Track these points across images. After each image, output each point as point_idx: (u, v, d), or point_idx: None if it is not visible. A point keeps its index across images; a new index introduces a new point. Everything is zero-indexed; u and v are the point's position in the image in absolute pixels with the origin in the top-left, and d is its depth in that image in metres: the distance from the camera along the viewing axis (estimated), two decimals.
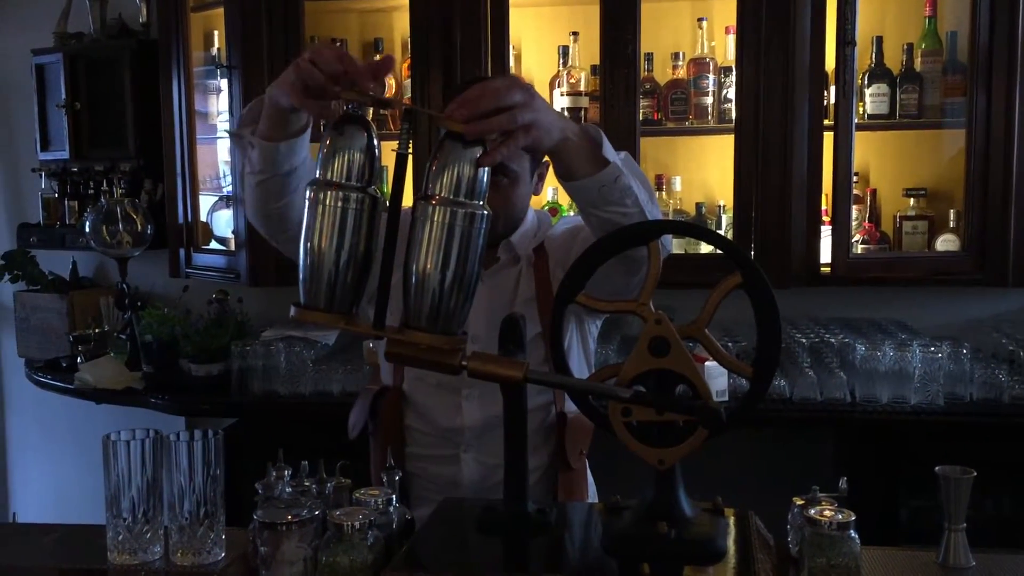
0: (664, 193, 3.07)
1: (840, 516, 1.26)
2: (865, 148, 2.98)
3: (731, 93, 2.93)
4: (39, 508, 4.03)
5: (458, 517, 1.44)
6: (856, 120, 2.81)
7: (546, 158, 1.55)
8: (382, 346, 1.35)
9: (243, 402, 2.88)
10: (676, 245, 2.87)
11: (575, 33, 3.07)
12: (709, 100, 3.00)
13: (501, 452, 1.34)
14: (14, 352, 3.74)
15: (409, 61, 3.05)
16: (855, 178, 2.88)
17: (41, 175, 3.66)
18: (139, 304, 3.30)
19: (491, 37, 2.89)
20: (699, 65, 3.00)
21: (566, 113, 3.04)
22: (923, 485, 2.53)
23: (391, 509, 1.37)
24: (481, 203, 1.18)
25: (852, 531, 1.26)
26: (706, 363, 2.09)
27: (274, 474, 1.42)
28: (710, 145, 3.13)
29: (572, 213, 2.78)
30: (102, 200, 3.34)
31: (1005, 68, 2.73)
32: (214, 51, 3.33)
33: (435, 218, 1.16)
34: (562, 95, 3.05)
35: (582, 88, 3.06)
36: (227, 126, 3.23)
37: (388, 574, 1.21)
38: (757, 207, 2.83)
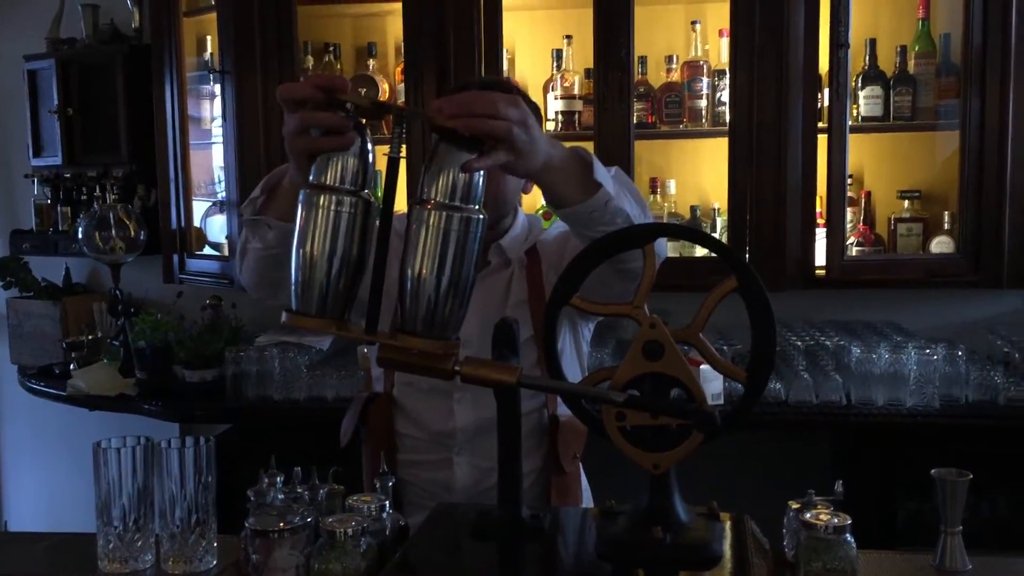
0: (659, 196, 3.06)
1: (836, 520, 1.26)
2: (859, 150, 2.98)
3: (725, 96, 2.93)
4: (32, 516, 4.01)
5: (452, 523, 1.43)
6: (850, 122, 2.81)
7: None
8: (374, 351, 1.35)
9: (237, 408, 2.88)
10: (671, 248, 2.86)
11: (569, 36, 3.06)
12: (703, 103, 3.00)
13: (494, 455, 1.34)
14: (7, 359, 3.72)
15: (403, 65, 3.04)
16: (849, 180, 2.88)
17: (34, 181, 3.65)
18: (132, 310, 3.29)
19: (484, 41, 2.89)
20: (693, 68, 3.00)
21: (559, 117, 3.04)
22: (919, 488, 2.52)
23: (384, 515, 1.36)
24: (477, 207, 1.18)
25: (848, 535, 1.25)
26: (701, 367, 2.08)
27: (266, 481, 1.41)
28: (704, 148, 3.13)
29: None
30: (95, 206, 3.33)
31: (998, 70, 2.73)
32: (207, 56, 3.32)
33: (430, 222, 1.15)
34: (556, 99, 3.05)
35: (576, 92, 3.05)
36: (220, 131, 3.22)
37: None
38: (752, 210, 2.82)
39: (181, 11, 3.24)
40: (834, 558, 1.24)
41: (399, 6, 2.97)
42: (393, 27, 3.22)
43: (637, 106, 2.92)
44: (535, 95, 3.02)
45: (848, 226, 2.89)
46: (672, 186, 3.08)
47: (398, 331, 1.18)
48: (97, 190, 3.41)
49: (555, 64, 3.07)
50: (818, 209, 2.88)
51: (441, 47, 2.91)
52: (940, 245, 2.92)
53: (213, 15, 3.15)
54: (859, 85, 2.91)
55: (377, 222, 1.19)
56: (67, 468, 3.81)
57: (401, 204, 1.26)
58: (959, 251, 2.85)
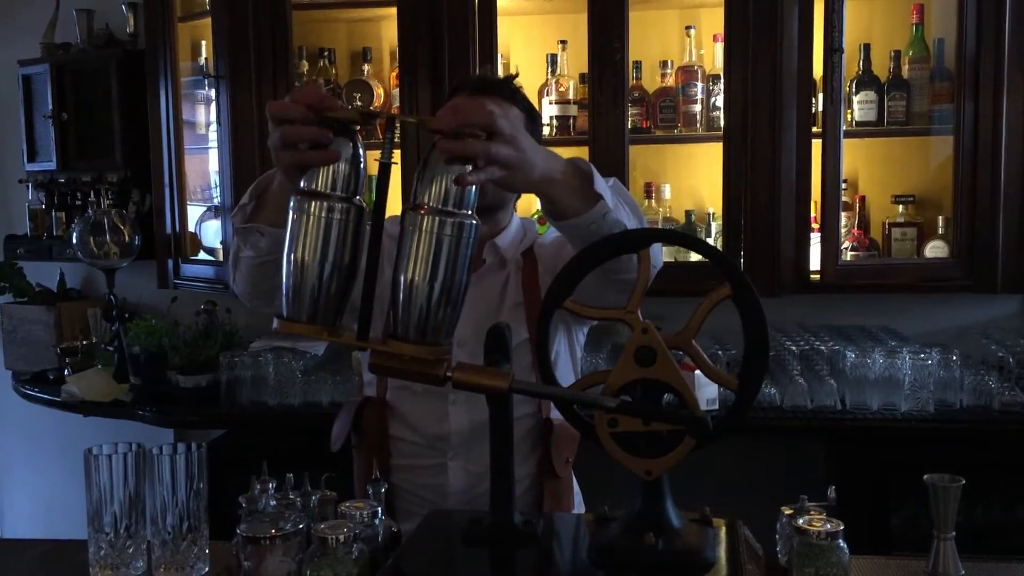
0: (653, 201, 3.06)
1: (829, 525, 1.26)
2: (853, 155, 2.98)
3: (719, 101, 2.93)
4: (27, 522, 4.00)
5: (444, 529, 1.42)
6: (844, 127, 2.81)
7: None
8: (366, 357, 1.34)
9: (232, 413, 2.87)
10: (665, 253, 2.85)
11: (563, 41, 3.07)
12: (697, 108, 3.00)
13: (487, 459, 1.33)
14: (1, 364, 3.72)
15: (397, 70, 3.04)
16: (844, 185, 2.88)
17: (28, 186, 3.64)
18: (127, 315, 3.28)
19: (479, 45, 2.89)
20: (687, 73, 3.00)
21: (555, 122, 3.04)
22: (913, 493, 2.52)
23: (376, 522, 1.35)
24: (470, 212, 1.18)
25: (841, 540, 1.25)
26: (696, 372, 2.08)
27: (258, 487, 1.41)
28: (699, 153, 3.13)
29: None
30: (89, 211, 3.32)
31: (992, 75, 2.74)
32: (202, 61, 3.31)
33: (423, 227, 1.15)
34: (551, 103, 3.05)
35: (571, 96, 3.06)
36: (215, 136, 3.22)
37: None
38: (746, 214, 2.83)
39: (176, 16, 3.24)
40: (827, 564, 1.24)
41: (394, 11, 2.97)
42: (388, 32, 3.22)
43: (632, 111, 2.92)
44: (530, 99, 3.01)
45: (842, 231, 2.89)
46: (667, 191, 3.09)
47: (390, 337, 1.17)
48: (92, 195, 3.40)
49: (550, 69, 3.08)
50: (812, 214, 2.88)
51: (436, 52, 2.91)
52: (934, 250, 2.92)
53: (208, 20, 3.14)
54: (853, 90, 2.91)
55: (369, 228, 1.19)
56: (61, 474, 3.80)
57: (397, 209, 1.25)
58: (953, 256, 2.85)
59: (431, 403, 1.74)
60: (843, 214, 2.88)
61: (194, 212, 3.38)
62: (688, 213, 3.07)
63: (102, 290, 3.46)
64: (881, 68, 2.94)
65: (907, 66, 2.92)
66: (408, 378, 1.21)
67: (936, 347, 2.69)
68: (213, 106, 3.22)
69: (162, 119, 3.26)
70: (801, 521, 1.27)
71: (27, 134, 3.57)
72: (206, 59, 3.29)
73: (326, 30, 3.31)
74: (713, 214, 3.03)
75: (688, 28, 3.02)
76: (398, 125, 1.21)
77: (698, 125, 3.01)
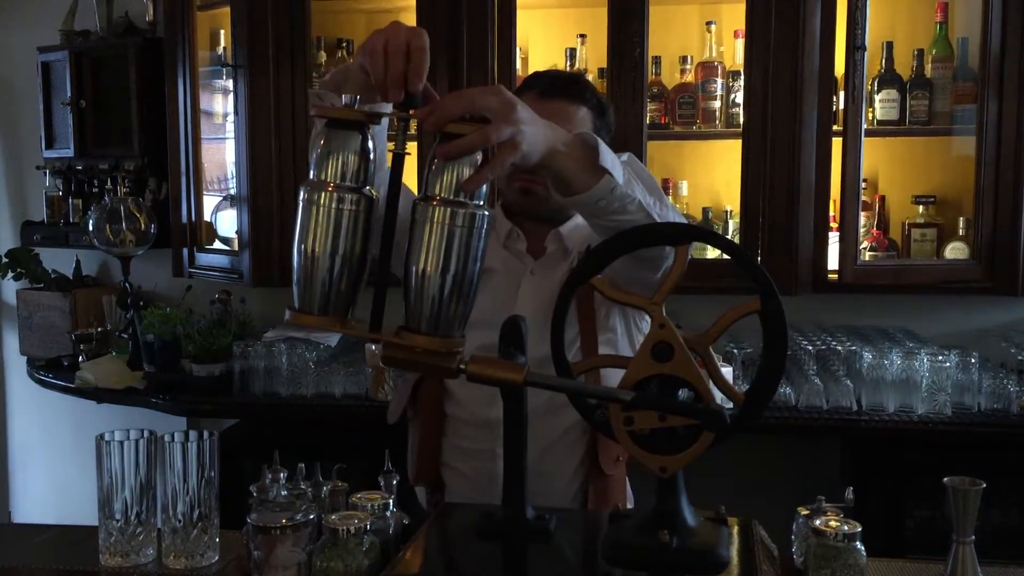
0: (671, 197, 3.04)
1: (846, 527, 1.24)
2: (874, 154, 2.95)
3: (739, 97, 2.91)
4: (40, 507, 4.02)
5: (455, 522, 1.41)
6: (865, 126, 2.79)
7: None
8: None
9: (244, 403, 2.87)
10: None
11: (583, 35, 3.05)
12: (717, 104, 2.98)
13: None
14: (16, 350, 3.73)
15: None
16: (863, 184, 2.85)
17: (45, 173, 3.65)
18: (141, 303, 3.29)
19: (498, 39, 2.88)
20: (707, 69, 2.98)
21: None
22: (930, 495, 2.50)
23: (388, 514, 1.35)
24: (482, 203, 1.16)
25: (858, 542, 1.24)
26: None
27: (269, 476, 1.40)
28: (717, 150, 3.11)
29: None
30: (106, 198, 3.34)
31: (1016, 75, 2.71)
32: (220, 50, 3.32)
33: (435, 218, 1.14)
34: None
35: None
36: (232, 126, 3.22)
37: None
38: (764, 213, 2.80)
39: (195, 5, 3.24)
40: (843, 566, 1.23)
41: (413, 2, 2.96)
42: (407, 23, 3.20)
43: (650, 106, 2.90)
44: None
45: (861, 230, 2.87)
46: (684, 187, 3.07)
47: (402, 329, 1.16)
48: (108, 183, 3.42)
49: (568, 63, 3.06)
50: (831, 213, 2.86)
51: (455, 44, 2.90)
52: (954, 251, 2.89)
53: (227, 9, 3.14)
54: (875, 88, 2.88)
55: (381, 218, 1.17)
56: (74, 460, 3.82)
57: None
58: (973, 257, 2.82)
59: (480, 385, 1.70)
60: (862, 214, 2.86)
61: (210, 201, 3.38)
62: (705, 210, 3.05)
63: (117, 278, 3.47)
64: (904, 67, 2.91)
65: (930, 65, 2.89)
66: (420, 370, 1.20)
67: (954, 349, 2.66)
68: (231, 96, 3.22)
69: (180, 108, 3.26)
70: (818, 522, 1.26)
71: (45, 121, 3.58)
72: (224, 48, 3.29)
73: (345, 21, 3.30)
74: (731, 211, 3.01)
75: (709, 23, 3.00)
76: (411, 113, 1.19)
77: (717, 122, 2.99)
